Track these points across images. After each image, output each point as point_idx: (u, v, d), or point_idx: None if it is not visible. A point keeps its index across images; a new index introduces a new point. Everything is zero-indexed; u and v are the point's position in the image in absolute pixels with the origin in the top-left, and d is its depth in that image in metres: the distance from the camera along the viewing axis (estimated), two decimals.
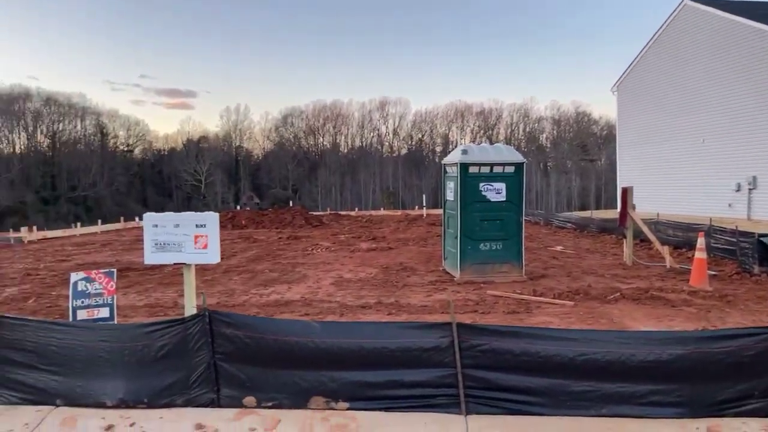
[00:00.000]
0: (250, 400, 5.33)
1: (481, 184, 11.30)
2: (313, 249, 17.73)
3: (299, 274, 12.92)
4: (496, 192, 11.32)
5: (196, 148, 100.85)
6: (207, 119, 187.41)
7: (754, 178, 23.66)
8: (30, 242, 21.25)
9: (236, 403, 5.33)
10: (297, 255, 16.38)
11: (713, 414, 4.76)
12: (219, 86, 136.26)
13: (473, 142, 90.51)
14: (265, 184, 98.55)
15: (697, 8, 27.42)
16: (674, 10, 29.20)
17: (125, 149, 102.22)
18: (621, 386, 4.83)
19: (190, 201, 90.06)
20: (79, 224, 28.19)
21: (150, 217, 6.64)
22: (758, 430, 4.58)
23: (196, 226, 6.53)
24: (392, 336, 5.21)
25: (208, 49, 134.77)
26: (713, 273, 11.44)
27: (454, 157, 11.78)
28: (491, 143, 14.40)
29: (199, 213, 6.71)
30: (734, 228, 13.15)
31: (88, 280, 6.99)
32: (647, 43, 31.71)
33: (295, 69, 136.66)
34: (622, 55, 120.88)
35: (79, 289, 6.95)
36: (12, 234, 21.91)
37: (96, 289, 6.98)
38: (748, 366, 4.71)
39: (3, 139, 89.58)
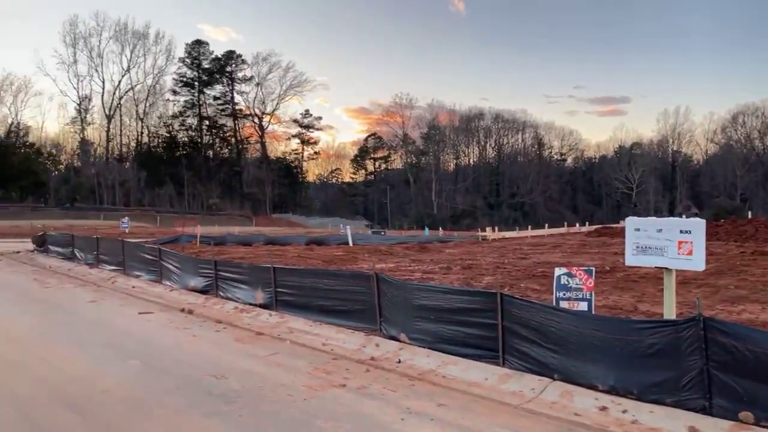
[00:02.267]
0: (746, 415, 5.06)
1: None
2: None
3: None
4: None
5: (628, 154, 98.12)
6: (641, 124, 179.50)
7: None
8: (493, 240, 25.16)
9: (729, 416, 5.13)
10: (766, 272, 14.20)
11: None
12: (655, 89, 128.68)
13: None
14: (705, 192, 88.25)
15: None
16: None
17: (558, 158, 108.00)
18: None
19: (620, 209, 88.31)
20: (529, 227, 31.58)
21: (632, 221, 6.98)
22: None
23: (681, 231, 6.52)
24: None
25: (639, 53, 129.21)
26: None
27: None
28: None
29: (683, 219, 6.70)
30: None
31: (569, 275, 7.85)
32: None
33: (746, 61, 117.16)
34: None
35: (562, 282, 7.87)
36: (479, 233, 26.47)
37: (576, 284, 7.78)
38: None
39: (461, 152, 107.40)
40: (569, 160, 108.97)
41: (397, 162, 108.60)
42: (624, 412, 5.49)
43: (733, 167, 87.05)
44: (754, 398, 5.04)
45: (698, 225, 6.49)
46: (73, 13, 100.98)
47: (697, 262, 6.46)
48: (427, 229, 59.06)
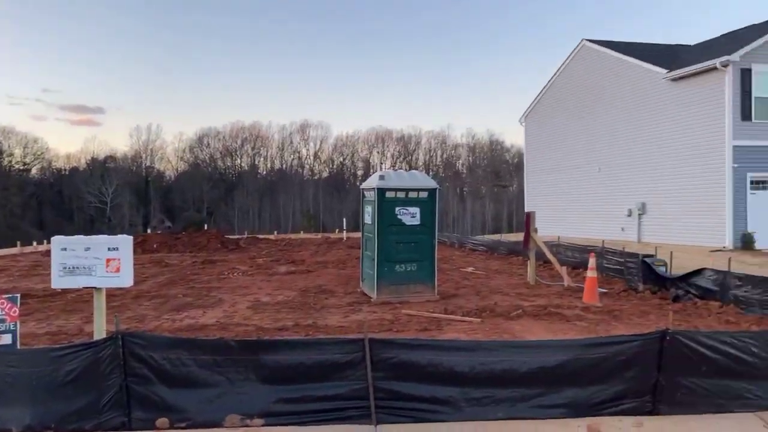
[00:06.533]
0: (163, 421, 5.34)
1: (397, 209, 11.80)
2: (229, 273, 17.50)
3: (214, 298, 12.76)
4: (411, 216, 11.84)
5: (102, 168, 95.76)
6: (115, 138, 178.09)
7: (643, 204, 25.92)
8: None
9: (148, 425, 5.31)
10: (212, 279, 16.12)
11: (593, 414, 5.38)
12: (130, 104, 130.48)
13: (393, 167, 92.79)
14: (177, 207, 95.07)
15: (593, 48, 30.00)
16: (574, 49, 31.74)
17: (21, 168, 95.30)
18: (514, 391, 5.35)
19: (94, 224, 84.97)
20: None
21: (58, 241, 6.49)
22: (631, 426, 5.21)
23: (108, 249, 6.46)
24: (307, 352, 5.45)
25: (120, 64, 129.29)
26: (604, 290, 12.52)
27: (372, 182, 12.23)
28: (410, 168, 15.03)
29: (111, 236, 6.66)
30: (622, 249, 14.51)
31: None
32: (551, 78, 34.16)
33: (211, 89, 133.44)
34: (532, 87, 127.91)
35: None
36: None
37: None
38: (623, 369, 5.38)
39: None
40: (34, 171, 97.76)
41: None
42: None
43: (200, 183, 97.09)
44: (169, 403, 5.35)
45: (125, 241, 6.58)
46: None
47: (125, 279, 6.53)
48: None
